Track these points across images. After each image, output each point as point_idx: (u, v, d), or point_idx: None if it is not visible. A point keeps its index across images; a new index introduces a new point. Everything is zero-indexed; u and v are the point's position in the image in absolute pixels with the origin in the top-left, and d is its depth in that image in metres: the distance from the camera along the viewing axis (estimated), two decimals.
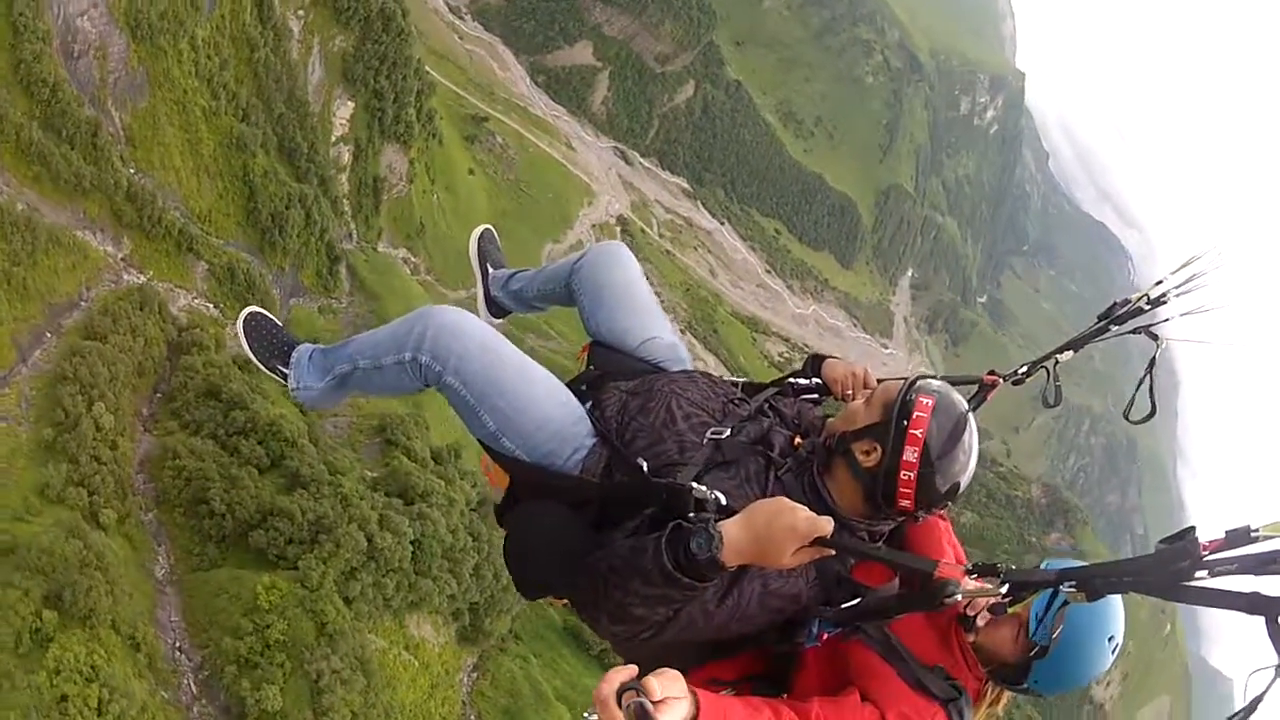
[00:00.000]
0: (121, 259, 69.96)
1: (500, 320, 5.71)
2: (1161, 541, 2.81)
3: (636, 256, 4.96)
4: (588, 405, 4.24)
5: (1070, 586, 2.89)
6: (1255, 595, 2.53)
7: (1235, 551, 2.64)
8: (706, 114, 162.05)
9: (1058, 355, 4.51)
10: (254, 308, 5.02)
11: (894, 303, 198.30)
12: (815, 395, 4.58)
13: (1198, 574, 2.64)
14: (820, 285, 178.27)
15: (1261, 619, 2.50)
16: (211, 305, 74.94)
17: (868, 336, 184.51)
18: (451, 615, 67.47)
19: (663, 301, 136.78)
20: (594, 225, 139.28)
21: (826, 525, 3.11)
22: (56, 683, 44.98)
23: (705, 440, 3.88)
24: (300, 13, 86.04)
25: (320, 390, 4.69)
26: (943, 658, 3.64)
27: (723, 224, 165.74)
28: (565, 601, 4.01)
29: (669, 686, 2.49)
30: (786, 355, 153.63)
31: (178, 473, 60.71)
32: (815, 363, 4.70)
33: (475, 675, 68.86)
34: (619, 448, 3.98)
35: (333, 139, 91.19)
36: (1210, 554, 2.65)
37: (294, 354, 4.83)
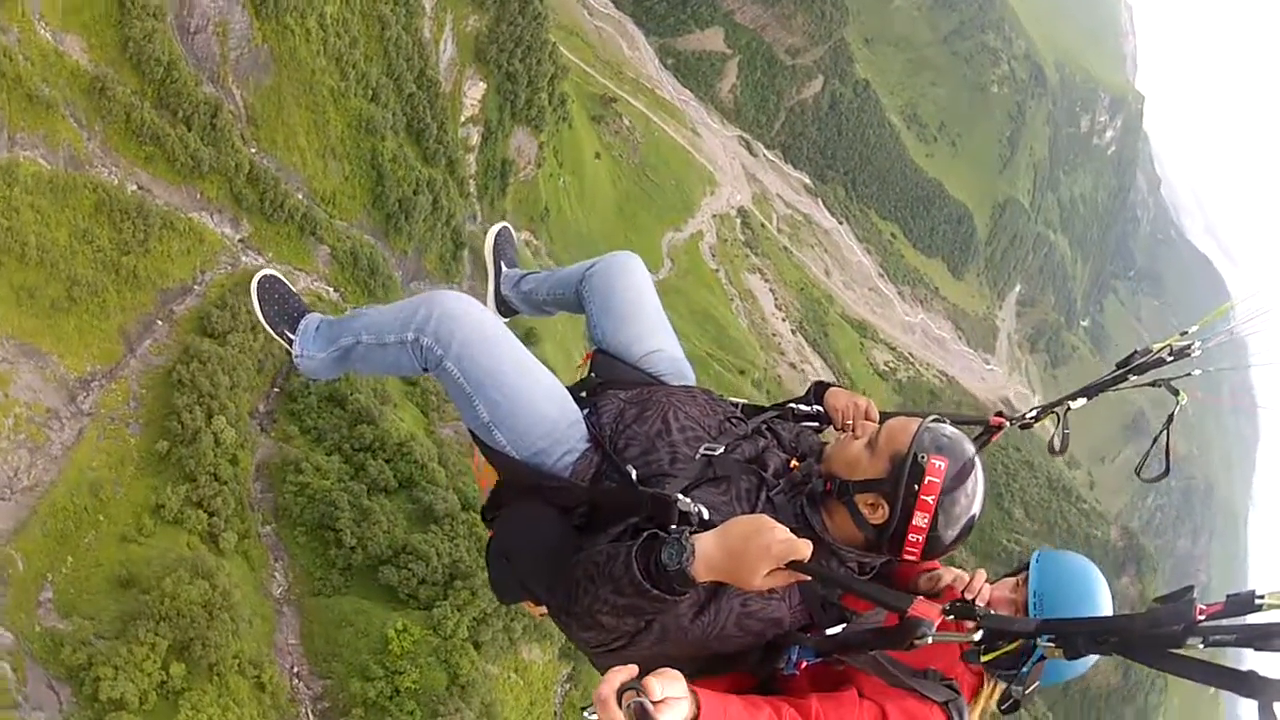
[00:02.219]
0: (239, 241, 66.37)
1: (506, 320, 5.50)
2: (1156, 600, 2.59)
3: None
4: (585, 411, 4.12)
5: (1048, 640, 2.67)
6: (1251, 675, 2.22)
7: (1236, 620, 2.41)
8: (833, 110, 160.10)
9: (1070, 401, 4.34)
10: (269, 270, 4.90)
11: (999, 318, 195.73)
12: (816, 422, 4.40)
13: (1190, 641, 2.36)
14: (930, 294, 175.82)
15: (1255, 703, 2.20)
16: (332, 289, 71.62)
17: (971, 351, 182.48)
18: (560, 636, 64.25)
19: (777, 300, 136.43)
20: (714, 215, 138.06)
21: (804, 549, 2.92)
22: None
23: (698, 455, 3.78)
24: None
25: (321, 360, 4.57)
26: (933, 657, 3.36)
27: (841, 223, 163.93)
28: (543, 611, 3.93)
29: (669, 686, 2.46)
30: (892, 364, 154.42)
31: (300, 489, 57.36)
32: (818, 389, 4.55)
33: (568, 686, 67.66)
34: (611, 454, 3.87)
35: (462, 119, 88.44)
36: (1207, 620, 2.42)
37: (302, 322, 4.76)
